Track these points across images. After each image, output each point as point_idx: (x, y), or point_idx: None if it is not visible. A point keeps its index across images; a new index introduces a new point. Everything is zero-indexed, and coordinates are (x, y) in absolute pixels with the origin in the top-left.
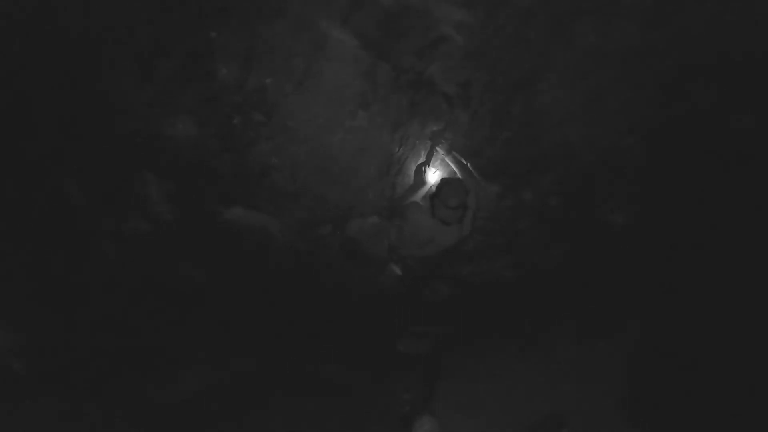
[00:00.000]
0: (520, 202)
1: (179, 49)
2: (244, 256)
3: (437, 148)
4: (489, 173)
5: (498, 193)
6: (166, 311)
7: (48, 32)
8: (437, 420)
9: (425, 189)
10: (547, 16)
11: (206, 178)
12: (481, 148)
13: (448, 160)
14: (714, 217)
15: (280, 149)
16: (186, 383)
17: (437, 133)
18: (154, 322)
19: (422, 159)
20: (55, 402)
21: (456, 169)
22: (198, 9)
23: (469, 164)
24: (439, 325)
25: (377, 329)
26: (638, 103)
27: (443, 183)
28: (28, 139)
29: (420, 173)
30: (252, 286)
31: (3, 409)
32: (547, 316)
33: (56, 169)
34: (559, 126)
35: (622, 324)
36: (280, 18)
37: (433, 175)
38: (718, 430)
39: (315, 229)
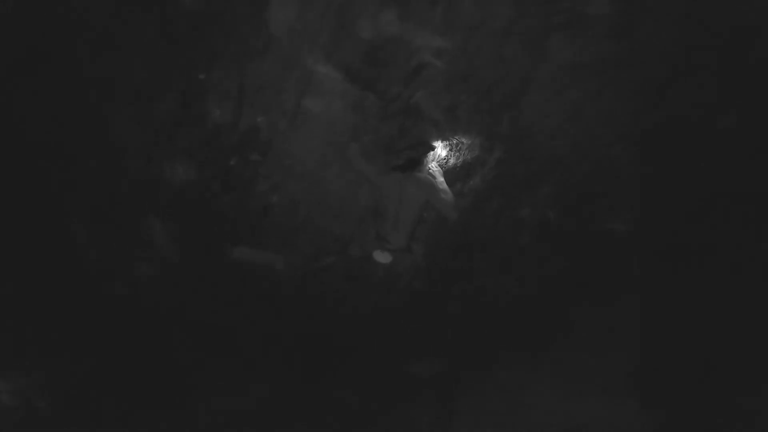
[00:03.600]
0: (518, 220)
1: (172, 92)
2: (252, 292)
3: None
4: (484, 194)
5: (495, 211)
6: (178, 347)
7: (42, 79)
8: None
9: None
10: (520, 36)
11: (210, 220)
12: (474, 170)
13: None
14: (711, 216)
15: (279, 187)
16: (204, 414)
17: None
18: (169, 357)
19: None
20: None
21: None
22: (186, 51)
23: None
24: (450, 344)
25: (389, 353)
26: (620, 112)
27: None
28: (35, 186)
29: None
30: (263, 319)
31: None
32: (555, 328)
33: (65, 216)
34: (548, 141)
35: (631, 331)
36: (266, 57)
37: None
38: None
39: (319, 260)
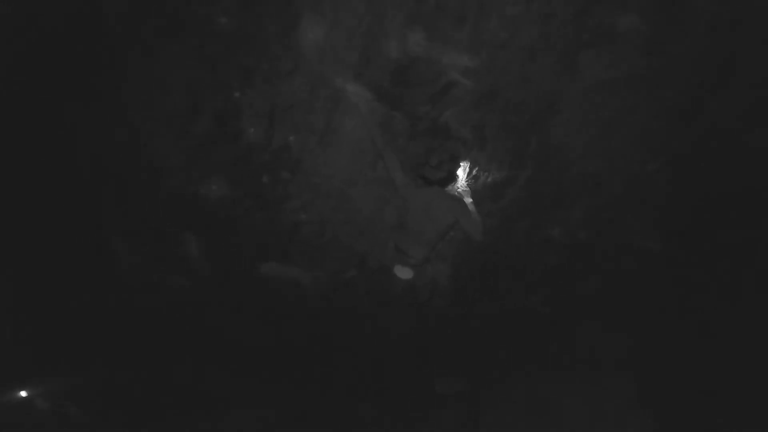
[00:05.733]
0: (548, 239)
1: (208, 111)
2: (279, 305)
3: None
4: (513, 214)
5: (524, 231)
6: (207, 358)
7: (86, 102)
8: None
9: None
10: (549, 53)
11: (241, 235)
12: (503, 190)
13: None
14: (750, 234)
15: (308, 205)
16: (228, 423)
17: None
18: (196, 367)
19: None
20: None
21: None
22: (221, 71)
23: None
24: (476, 363)
25: (414, 370)
26: (654, 129)
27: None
28: (79, 201)
29: None
30: (288, 333)
31: None
32: (585, 347)
33: (105, 230)
34: (579, 160)
35: (662, 351)
36: (297, 76)
37: None
38: None
39: (342, 275)
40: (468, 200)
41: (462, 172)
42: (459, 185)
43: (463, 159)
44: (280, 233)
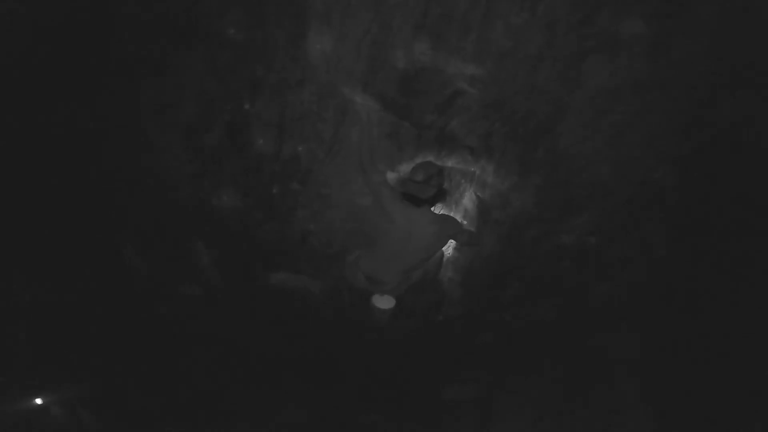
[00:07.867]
0: (558, 246)
1: (219, 123)
2: (288, 315)
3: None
4: (521, 222)
5: (533, 238)
6: (219, 367)
7: (100, 113)
8: None
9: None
10: (553, 61)
11: (251, 245)
12: (512, 198)
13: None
14: (758, 239)
15: (317, 216)
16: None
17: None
18: (208, 376)
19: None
20: None
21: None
22: (231, 82)
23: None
24: (485, 370)
25: (422, 377)
26: (662, 134)
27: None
28: (92, 210)
29: None
30: (297, 341)
31: None
32: (595, 356)
33: (117, 238)
34: (587, 166)
35: (677, 360)
36: (306, 86)
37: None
38: None
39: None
40: (471, 208)
41: (467, 184)
42: (466, 195)
43: (472, 167)
44: (289, 243)
